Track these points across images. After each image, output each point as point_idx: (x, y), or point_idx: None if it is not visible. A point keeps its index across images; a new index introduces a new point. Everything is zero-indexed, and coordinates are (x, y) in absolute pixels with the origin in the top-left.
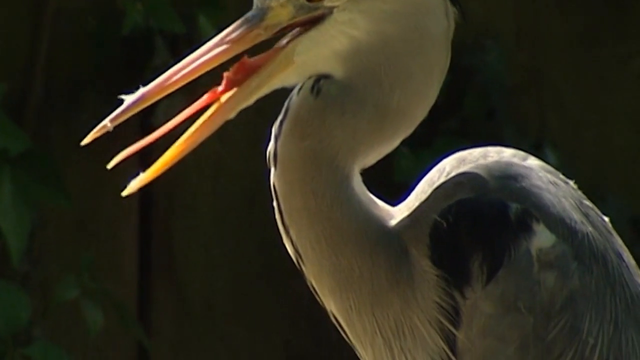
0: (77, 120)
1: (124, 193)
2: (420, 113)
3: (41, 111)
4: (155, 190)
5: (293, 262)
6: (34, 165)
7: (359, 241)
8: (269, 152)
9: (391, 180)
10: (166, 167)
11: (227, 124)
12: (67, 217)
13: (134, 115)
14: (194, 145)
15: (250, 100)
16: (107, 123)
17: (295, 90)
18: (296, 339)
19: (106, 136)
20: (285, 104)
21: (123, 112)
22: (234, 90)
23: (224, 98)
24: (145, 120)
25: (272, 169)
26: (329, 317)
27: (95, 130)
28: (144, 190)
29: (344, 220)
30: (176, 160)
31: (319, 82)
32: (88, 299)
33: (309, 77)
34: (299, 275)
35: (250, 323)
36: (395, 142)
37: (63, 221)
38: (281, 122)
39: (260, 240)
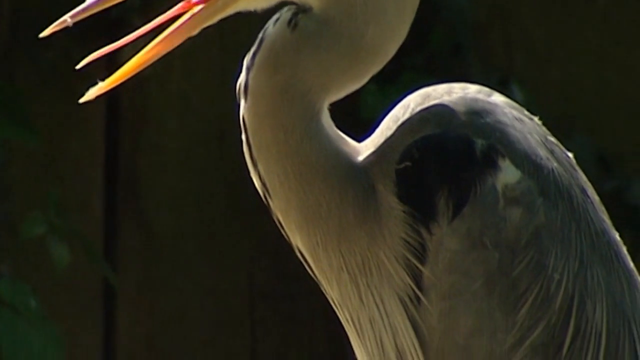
0: (44, 59)
1: (82, 99)
2: (392, 49)
3: (8, 49)
4: (122, 128)
5: (259, 200)
6: (1, 104)
7: (327, 177)
8: (240, 84)
9: (357, 117)
10: (126, 76)
11: (194, 62)
12: (34, 156)
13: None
14: (155, 57)
15: (216, 19)
16: (67, 18)
17: (270, 22)
18: (261, 275)
19: (73, 76)
20: (260, 35)
21: (84, 9)
22: (201, 6)
23: (196, 9)
24: (112, 59)
25: (242, 102)
26: (294, 253)
27: (54, 24)
28: (110, 127)
29: (313, 156)
30: (136, 70)
31: (297, 16)
32: (54, 236)
33: (287, 10)
34: (264, 212)
35: (215, 260)
36: (366, 79)
37: (30, 159)
38: (254, 53)
39: (226, 178)
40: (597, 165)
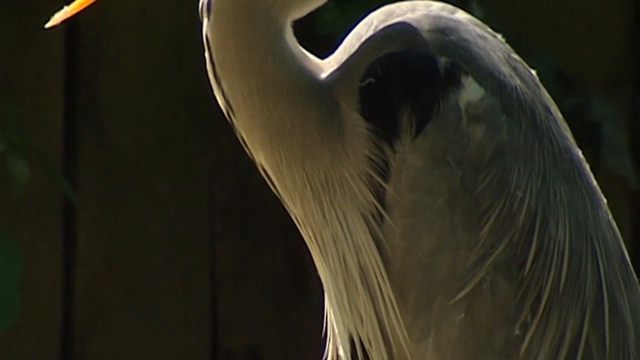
0: None
1: (48, 25)
2: None
3: None
4: (81, 44)
5: (219, 117)
6: None
7: (291, 94)
8: (202, 3)
9: (314, 33)
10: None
11: None
12: None
13: None
14: None
15: None
16: None
17: None
18: (221, 192)
19: None
20: None
21: None
22: None
23: None
24: None
25: (205, 20)
26: (256, 170)
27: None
28: (69, 43)
29: (277, 73)
30: None
31: None
32: (14, 153)
33: None
34: (225, 129)
35: (175, 176)
36: None
37: None
38: None
39: (186, 94)
40: (558, 83)
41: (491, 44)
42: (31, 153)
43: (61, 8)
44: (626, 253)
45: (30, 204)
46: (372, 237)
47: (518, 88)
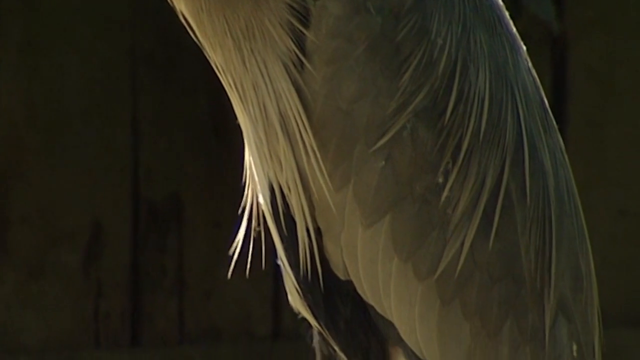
0: None
1: None
2: None
3: None
4: None
5: None
6: None
7: None
8: None
9: None
10: None
11: None
12: None
13: None
14: None
15: None
16: None
17: None
18: (143, 40)
19: None
20: None
21: None
22: None
23: None
24: None
25: None
26: (178, 18)
27: None
28: None
29: None
30: None
31: None
32: None
33: None
34: None
35: (97, 24)
36: None
37: None
38: None
39: None
40: None
41: None
42: None
43: None
44: (545, 100)
45: None
46: (293, 84)
47: None
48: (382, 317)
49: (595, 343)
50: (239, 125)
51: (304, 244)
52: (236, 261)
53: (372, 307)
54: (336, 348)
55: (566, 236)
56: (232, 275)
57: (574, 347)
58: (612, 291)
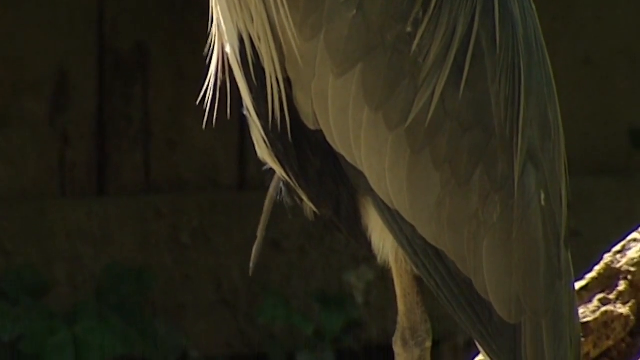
0: None
1: None
2: None
3: None
4: None
5: None
6: None
7: None
8: None
9: None
10: None
11: None
12: None
13: None
14: None
15: None
16: None
17: None
18: None
19: None
20: None
21: None
22: None
23: None
24: None
25: None
26: None
27: None
28: None
29: None
30: None
31: None
32: None
33: None
34: None
35: None
36: None
37: None
38: None
39: None
40: None
41: None
42: None
43: None
44: None
45: None
46: None
47: None
48: (353, 167)
49: (562, 191)
50: None
51: (274, 94)
52: (202, 111)
53: (342, 156)
54: (304, 198)
55: (535, 85)
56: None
57: (542, 196)
58: (577, 140)
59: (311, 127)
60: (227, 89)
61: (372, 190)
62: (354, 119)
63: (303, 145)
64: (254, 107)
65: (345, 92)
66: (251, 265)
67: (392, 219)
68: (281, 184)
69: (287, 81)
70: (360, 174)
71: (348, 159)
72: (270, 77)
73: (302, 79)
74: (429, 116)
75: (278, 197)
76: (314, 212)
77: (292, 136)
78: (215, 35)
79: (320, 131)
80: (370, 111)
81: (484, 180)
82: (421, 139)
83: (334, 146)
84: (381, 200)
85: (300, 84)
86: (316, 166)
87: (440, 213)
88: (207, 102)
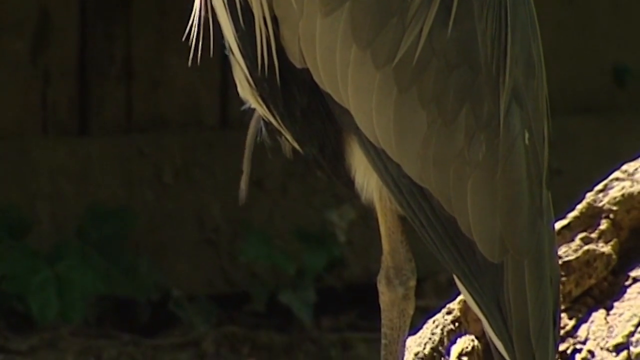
0: None
1: None
2: None
3: None
4: None
5: None
6: None
7: None
8: None
9: None
10: None
11: None
12: None
13: None
14: None
15: None
16: None
17: None
18: None
19: None
20: None
21: None
22: None
23: None
24: None
25: None
26: None
27: None
28: None
29: None
30: None
31: None
32: None
33: None
34: None
35: None
36: None
37: None
38: None
39: None
40: None
41: None
42: None
43: None
44: None
45: None
46: None
47: None
48: (339, 106)
49: (545, 130)
50: None
51: (262, 33)
52: (185, 50)
53: (328, 95)
54: (288, 137)
55: (520, 23)
56: (180, 64)
57: (526, 135)
58: (560, 78)
59: (298, 65)
60: (209, 28)
61: (358, 128)
62: (342, 58)
63: (289, 84)
64: (238, 46)
65: (333, 30)
66: (240, 197)
67: (378, 157)
68: (261, 123)
69: (274, 20)
70: (347, 112)
71: (335, 97)
72: (258, 16)
73: (290, 17)
74: (417, 54)
75: (258, 138)
76: (294, 151)
77: (279, 75)
78: None
79: (307, 70)
80: (358, 49)
81: (470, 119)
82: (408, 77)
83: (320, 85)
84: (367, 138)
85: (288, 23)
86: (302, 105)
87: (426, 151)
88: (192, 40)
